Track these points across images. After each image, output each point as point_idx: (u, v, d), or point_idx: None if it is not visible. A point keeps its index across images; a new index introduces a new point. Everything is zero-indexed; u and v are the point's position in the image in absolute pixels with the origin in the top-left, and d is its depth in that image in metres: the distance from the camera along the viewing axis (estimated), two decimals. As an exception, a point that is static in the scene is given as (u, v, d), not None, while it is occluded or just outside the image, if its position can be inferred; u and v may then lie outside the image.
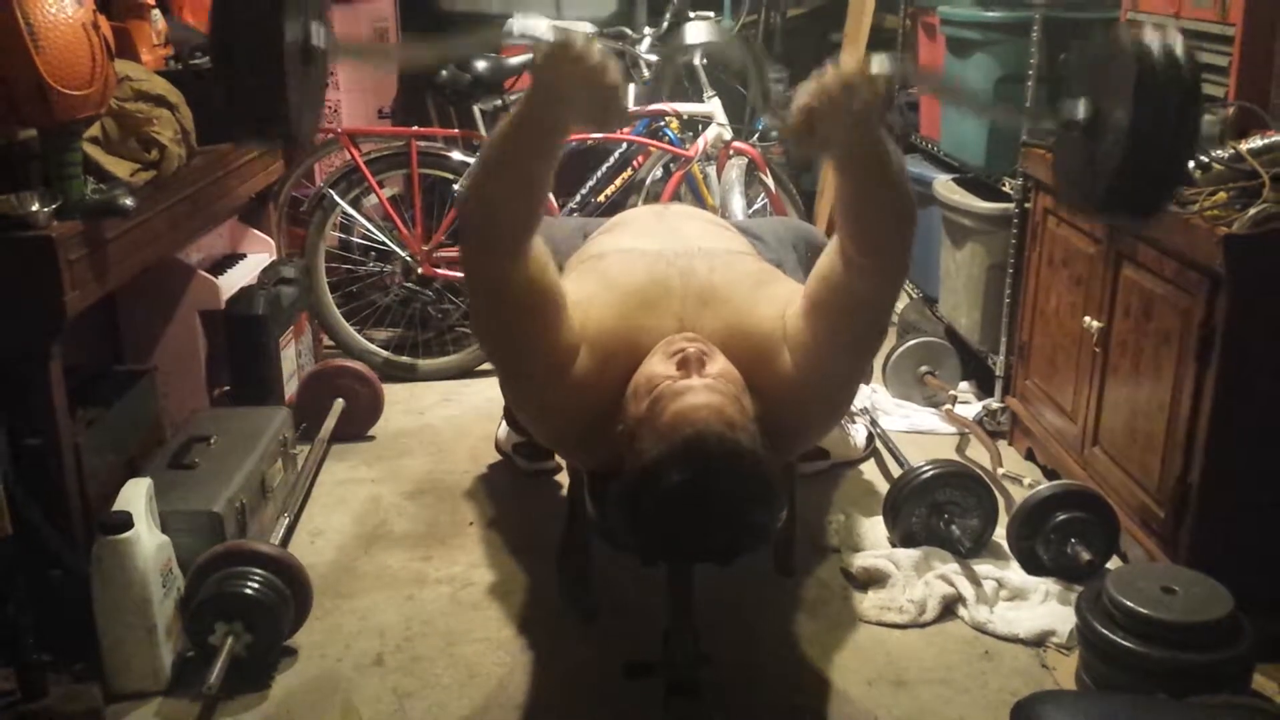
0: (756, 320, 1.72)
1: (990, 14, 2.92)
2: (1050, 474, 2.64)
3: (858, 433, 2.80)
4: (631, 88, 1.46)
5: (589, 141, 3.42)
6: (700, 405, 1.50)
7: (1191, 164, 2.05)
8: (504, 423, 2.76)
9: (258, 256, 2.93)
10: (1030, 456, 2.79)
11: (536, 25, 1.43)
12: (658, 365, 1.60)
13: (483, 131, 3.37)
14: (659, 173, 3.44)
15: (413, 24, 3.98)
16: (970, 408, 3.02)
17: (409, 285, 3.37)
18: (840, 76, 1.37)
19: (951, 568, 2.22)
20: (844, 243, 1.58)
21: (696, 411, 1.48)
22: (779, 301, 1.73)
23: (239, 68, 1.29)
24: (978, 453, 2.82)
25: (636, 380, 1.62)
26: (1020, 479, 2.66)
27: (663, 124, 3.41)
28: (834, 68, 1.38)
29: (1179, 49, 1.35)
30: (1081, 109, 1.44)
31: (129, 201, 1.90)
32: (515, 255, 1.57)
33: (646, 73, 3.49)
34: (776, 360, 1.67)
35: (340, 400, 2.88)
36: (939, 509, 2.31)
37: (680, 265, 1.78)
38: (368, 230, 3.31)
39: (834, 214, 1.60)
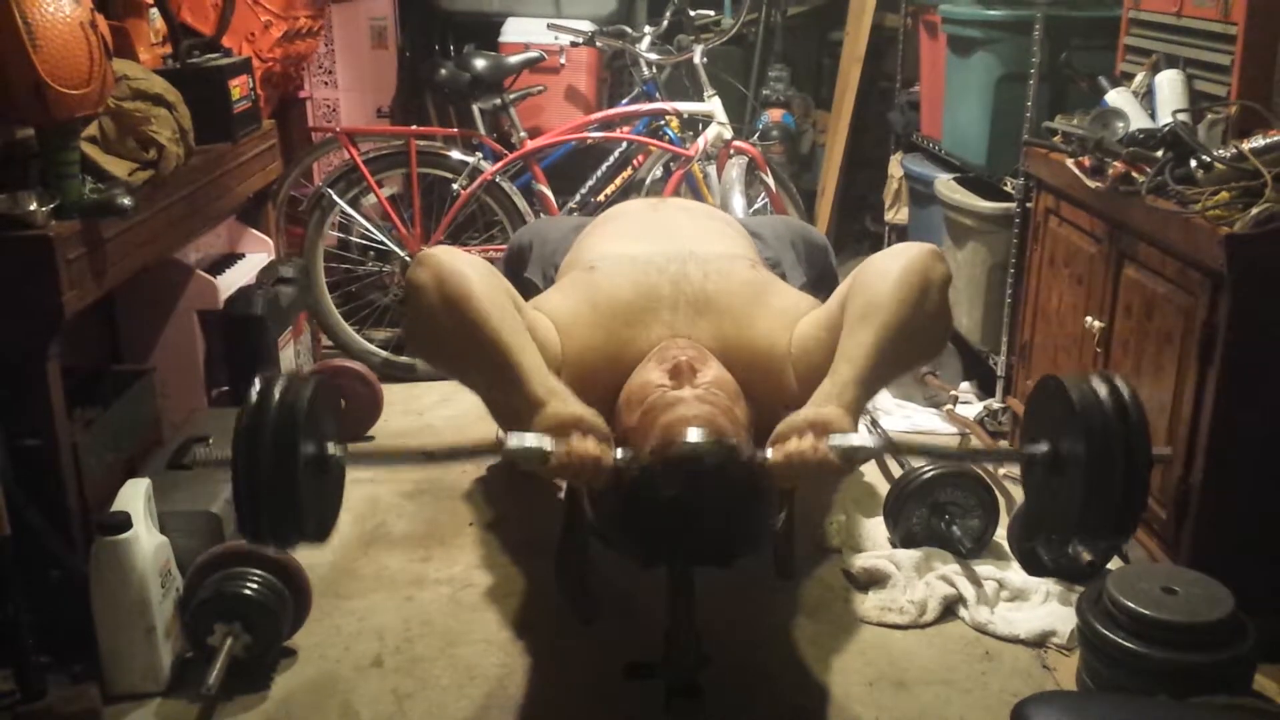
0: (757, 335, 1.71)
1: (992, 12, 2.91)
2: (1051, 474, 2.63)
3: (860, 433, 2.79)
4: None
5: (589, 141, 3.42)
6: (691, 416, 1.49)
7: (1194, 163, 2.06)
8: None
9: (256, 256, 2.92)
10: (1031, 456, 2.78)
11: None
12: (650, 374, 1.60)
13: (482, 130, 3.36)
14: (659, 172, 3.43)
15: (412, 23, 3.98)
16: (971, 408, 3.02)
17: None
18: (794, 466, 1.49)
19: (952, 568, 2.22)
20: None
21: (688, 423, 1.48)
22: (782, 315, 1.72)
23: (259, 480, 1.40)
24: (978, 453, 2.82)
25: (629, 389, 1.61)
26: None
27: (663, 123, 3.40)
28: (787, 447, 1.50)
29: (1125, 394, 1.47)
30: (1044, 447, 1.55)
31: (127, 201, 1.90)
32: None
33: (647, 72, 3.48)
34: (780, 377, 1.67)
35: (340, 400, 2.87)
36: (940, 509, 2.31)
37: (672, 272, 1.77)
38: (366, 229, 3.31)
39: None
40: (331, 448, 1.49)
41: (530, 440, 1.48)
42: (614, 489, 1.56)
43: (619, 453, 1.52)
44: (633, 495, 1.51)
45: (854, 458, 1.49)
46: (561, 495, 2.53)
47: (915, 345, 1.65)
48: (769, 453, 1.52)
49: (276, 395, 1.41)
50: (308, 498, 1.42)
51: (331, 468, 1.50)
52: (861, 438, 1.51)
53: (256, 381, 1.45)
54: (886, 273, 1.63)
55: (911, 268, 1.62)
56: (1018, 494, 2.48)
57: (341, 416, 2.71)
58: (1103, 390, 1.46)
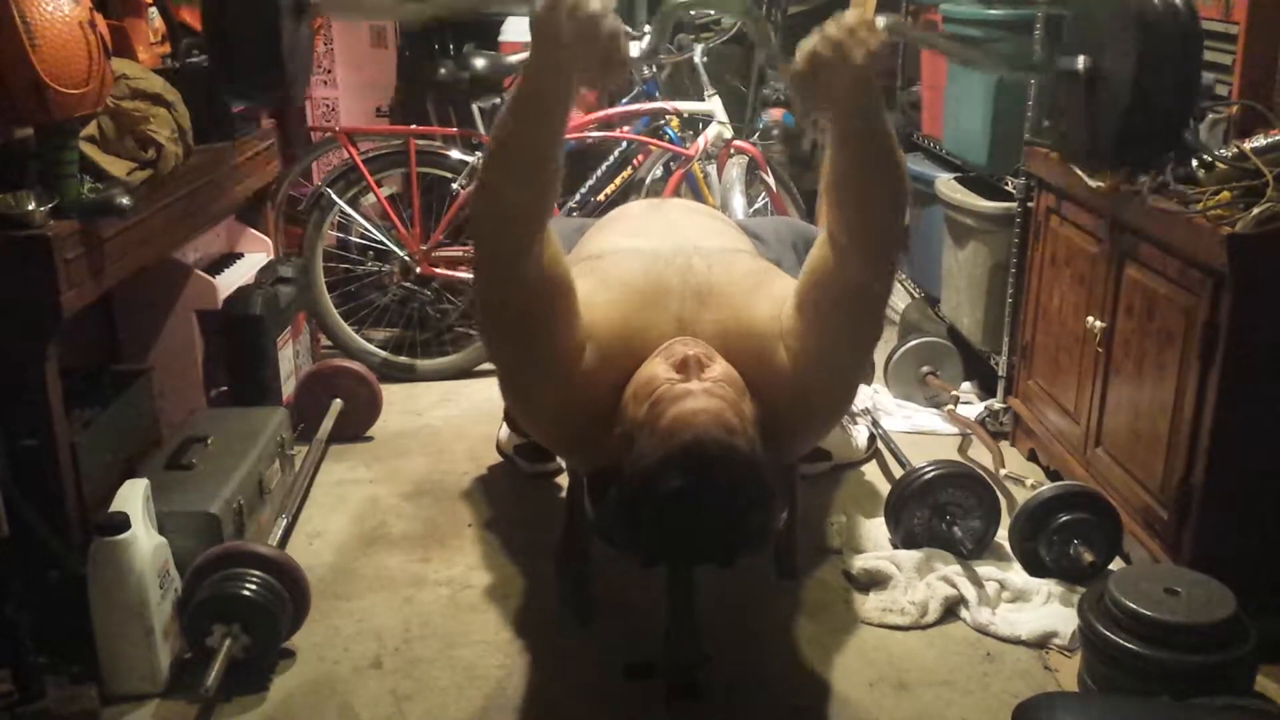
0: (755, 319, 1.70)
1: (993, 11, 2.91)
2: (1053, 475, 2.63)
3: (859, 433, 2.79)
4: (634, 46, 1.43)
5: (589, 140, 3.41)
6: (699, 410, 1.49)
7: (1195, 163, 2.05)
8: (505, 424, 2.75)
9: (255, 256, 2.92)
10: (1033, 457, 2.78)
11: None
12: (657, 368, 1.59)
13: (481, 130, 3.36)
14: (659, 171, 3.43)
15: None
16: (972, 408, 3.01)
17: (407, 285, 3.36)
18: (844, 23, 1.39)
19: (953, 569, 2.21)
20: (833, 226, 1.57)
21: (695, 416, 1.47)
22: (777, 299, 1.71)
23: (234, 24, 1.31)
24: (980, 453, 2.81)
25: (636, 382, 1.61)
26: (1023, 480, 2.65)
27: (663, 122, 3.40)
28: (838, 17, 1.40)
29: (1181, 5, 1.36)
30: (1081, 62, 1.44)
31: (126, 200, 1.89)
32: (528, 246, 1.54)
33: (647, 71, 3.48)
34: (774, 359, 1.66)
35: (338, 400, 2.87)
36: (941, 510, 2.30)
37: (678, 264, 1.76)
38: (366, 229, 3.30)
39: (825, 197, 1.61)
40: None
41: None
42: (617, 485, 1.55)
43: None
44: (637, 488, 1.50)
45: (877, 30, 1.39)
46: (562, 495, 2.53)
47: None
48: (802, 50, 1.42)
49: None
50: (288, 42, 1.34)
51: (304, 10, 1.42)
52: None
53: None
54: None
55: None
56: (1019, 495, 2.48)
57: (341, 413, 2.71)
58: None
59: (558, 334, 1.62)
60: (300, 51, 1.41)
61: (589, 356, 1.65)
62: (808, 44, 1.41)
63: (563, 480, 2.63)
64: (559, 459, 2.65)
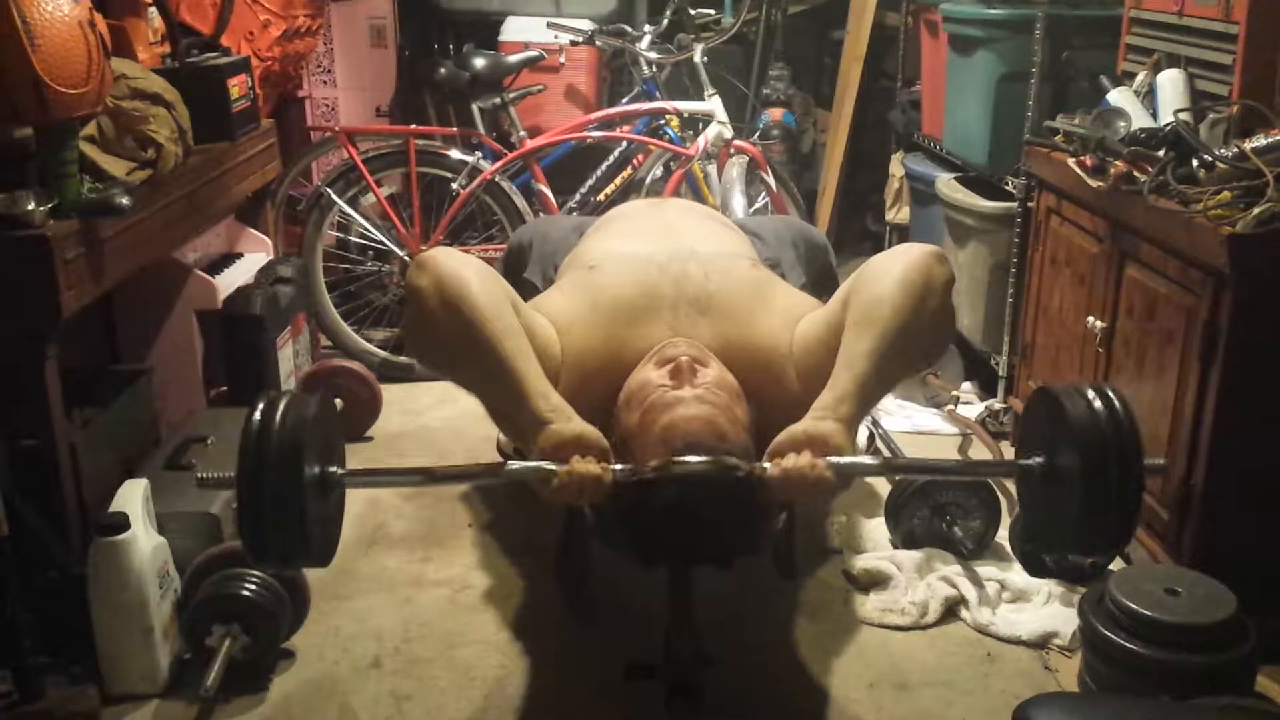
0: (758, 333, 1.70)
1: (993, 11, 2.91)
2: (1052, 474, 2.63)
3: (860, 431, 2.78)
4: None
5: (589, 140, 3.41)
6: (691, 417, 1.49)
7: (1196, 163, 2.05)
8: None
9: (255, 256, 2.91)
10: (1032, 457, 2.77)
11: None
12: (650, 373, 1.59)
13: (481, 129, 3.35)
14: (659, 171, 3.43)
15: (411, 21, 3.97)
16: (973, 408, 3.01)
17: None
18: (794, 468, 1.49)
19: (954, 569, 2.21)
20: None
21: (687, 423, 1.48)
22: (783, 314, 1.72)
23: (265, 509, 1.41)
24: (980, 454, 2.81)
25: (629, 388, 1.61)
26: (1022, 479, 2.65)
27: (663, 122, 3.39)
28: (785, 464, 1.50)
29: (1117, 406, 1.47)
30: (1039, 460, 1.54)
31: (125, 200, 1.89)
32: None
33: (647, 71, 3.47)
34: (781, 376, 1.66)
35: (338, 401, 2.87)
36: (941, 510, 2.30)
37: (673, 271, 1.76)
38: (365, 229, 3.30)
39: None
40: (333, 469, 1.50)
41: (531, 464, 1.52)
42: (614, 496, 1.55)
43: (618, 468, 1.52)
44: (631, 496, 1.50)
45: (850, 475, 1.51)
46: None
47: (917, 348, 1.65)
48: (767, 466, 1.52)
49: (279, 415, 1.41)
50: (312, 519, 1.42)
51: (333, 488, 1.50)
52: (858, 457, 1.52)
53: (260, 400, 1.45)
54: (888, 274, 1.62)
55: (913, 269, 1.61)
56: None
57: (340, 424, 2.73)
58: (1095, 403, 1.46)
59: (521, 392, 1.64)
60: (326, 526, 1.52)
61: (564, 384, 1.65)
62: (772, 472, 1.51)
63: (563, 501, 2.62)
64: None
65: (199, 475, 1.50)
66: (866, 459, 1.54)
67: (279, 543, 1.42)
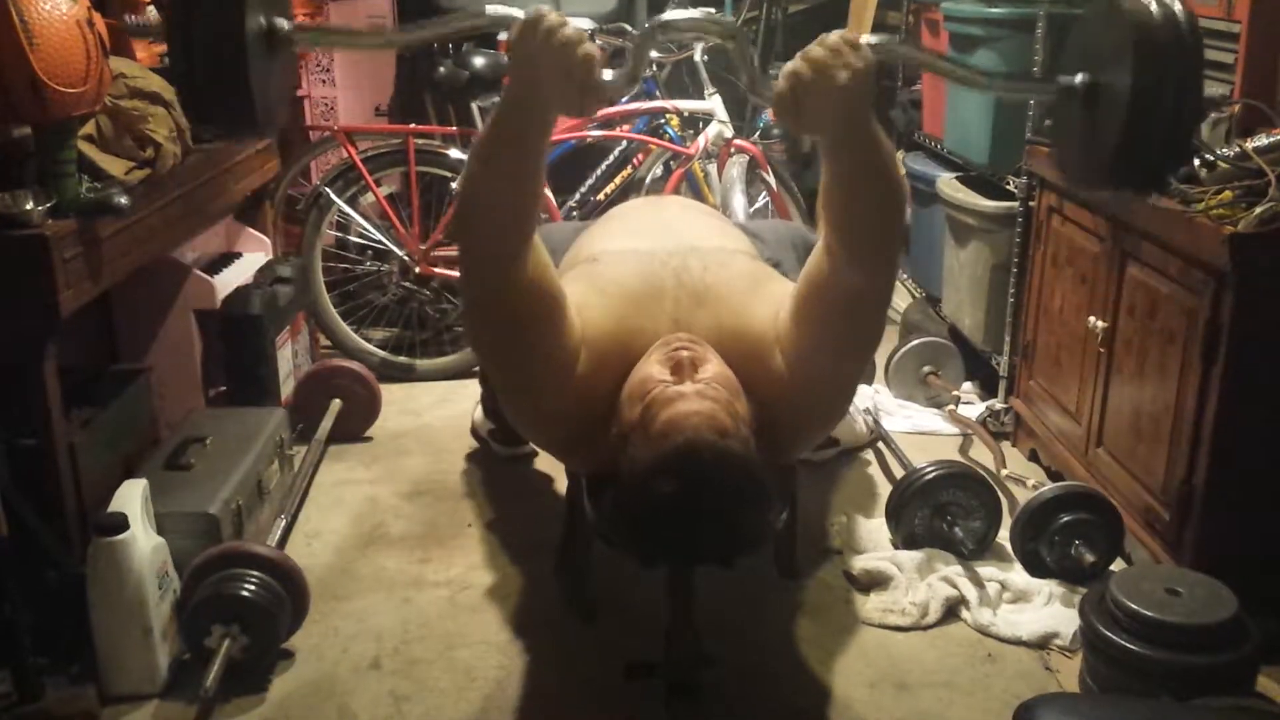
0: (750, 321, 1.70)
1: (994, 9, 2.90)
2: (1054, 475, 2.63)
3: (859, 418, 2.78)
4: (609, 73, 1.40)
5: (588, 139, 3.41)
6: (691, 412, 1.48)
7: (1197, 162, 2.04)
8: (479, 407, 2.75)
9: (254, 255, 2.91)
10: (1034, 457, 2.77)
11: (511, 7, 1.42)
12: (651, 369, 1.58)
13: (480, 129, 3.35)
14: (659, 171, 3.42)
15: (410, 20, 3.94)
16: (973, 408, 3.01)
17: (406, 284, 3.35)
18: (828, 42, 1.36)
19: (954, 570, 2.21)
20: (830, 236, 1.55)
21: (688, 419, 1.47)
22: (773, 301, 1.71)
23: (200, 61, 1.27)
24: (981, 454, 2.81)
25: (630, 384, 1.60)
26: (1024, 480, 2.65)
27: (663, 121, 3.39)
28: (823, 37, 1.37)
29: (1179, 9, 1.31)
30: (1080, 78, 1.40)
31: (124, 200, 1.89)
32: (514, 257, 1.54)
33: (647, 70, 3.47)
34: (769, 362, 1.65)
35: (337, 400, 2.87)
36: (942, 510, 2.30)
37: (674, 265, 1.76)
38: (365, 229, 3.29)
39: (821, 206, 1.58)
40: (280, 20, 1.36)
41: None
42: (613, 487, 1.54)
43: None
44: (632, 492, 1.50)
45: (862, 51, 1.36)
46: (561, 495, 2.53)
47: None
48: (784, 71, 1.38)
49: None
50: (256, 77, 1.29)
51: (279, 44, 1.37)
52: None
53: None
54: None
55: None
56: (1020, 496, 2.47)
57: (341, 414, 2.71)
58: (1155, 8, 1.30)
59: (549, 341, 1.61)
60: (272, 87, 1.37)
61: (584, 362, 1.64)
62: (790, 65, 1.37)
63: (561, 479, 2.63)
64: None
65: (125, 20, 1.32)
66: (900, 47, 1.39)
67: (220, 103, 1.29)
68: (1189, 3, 1.33)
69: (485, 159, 1.52)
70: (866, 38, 1.36)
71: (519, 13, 1.38)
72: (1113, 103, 1.34)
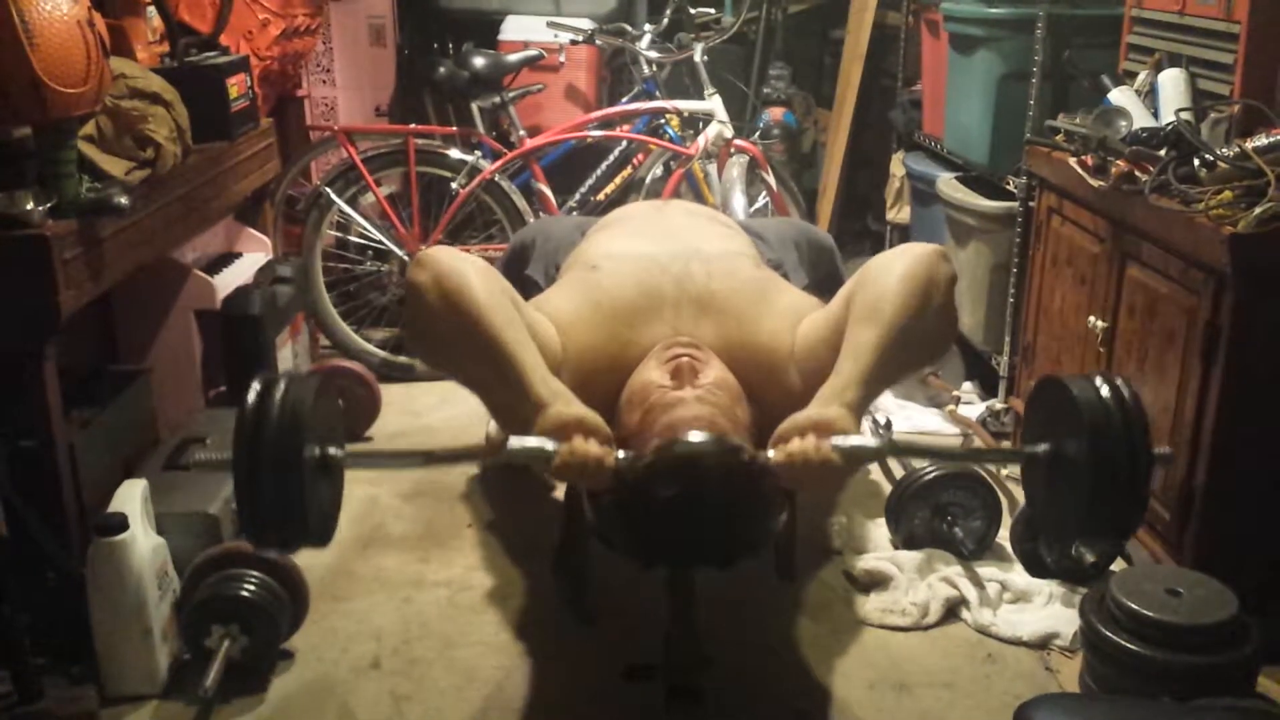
0: (761, 334, 1.70)
1: (994, 10, 2.90)
2: (1053, 475, 2.62)
3: (865, 428, 2.78)
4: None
5: (589, 140, 3.41)
6: (692, 418, 1.48)
7: (1197, 162, 2.04)
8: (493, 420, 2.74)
9: (254, 255, 2.91)
10: (1033, 457, 2.77)
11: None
12: (652, 374, 1.58)
13: (481, 129, 3.35)
14: (659, 171, 3.42)
15: (410, 20, 3.97)
16: (973, 408, 3.00)
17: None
18: (798, 451, 1.48)
19: (954, 570, 2.21)
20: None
21: (688, 424, 1.47)
22: (786, 314, 1.71)
23: (263, 491, 1.38)
24: (980, 453, 2.81)
25: (630, 388, 1.60)
26: (1023, 480, 2.64)
27: (663, 121, 3.39)
28: (789, 448, 1.49)
29: (1126, 394, 1.45)
30: (1045, 447, 1.53)
31: (124, 200, 1.89)
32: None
33: (647, 70, 3.47)
34: (783, 377, 1.66)
35: (340, 400, 2.86)
36: (942, 511, 2.30)
37: (675, 271, 1.76)
38: (365, 229, 3.29)
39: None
40: (333, 450, 1.48)
41: (532, 442, 1.49)
42: (615, 490, 1.55)
43: (620, 454, 1.51)
44: (633, 496, 1.50)
45: (856, 458, 1.48)
46: (560, 496, 2.53)
47: (920, 345, 1.64)
48: (771, 453, 1.51)
49: (279, 395, 1.40)
50: (311, 500, 1.40)
51: (333, 469, 1.49)
52: (864, 439, 1.50)
53: (257, 381, 1.43)
54: (891, 271, 1.62)
55: (917, 266, 1.62)
56: (1020, 495, 2.47)
57: (341, 416, 2.72)
58: (1104, 390, 1.45)
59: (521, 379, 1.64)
60: (325, 507, 1.49)
61: (569, 379, 1.64)
62: (775, 458, 1.50)
63: (563, 481, 2.63)
64: None
65: (195, 456, 1.46)
66: (871, 442, 1.51)
67: (278, 524, 1.40)
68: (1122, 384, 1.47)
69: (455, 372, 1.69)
70: (837, 440, 1.49)
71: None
72: (1077, 471, 1.45)
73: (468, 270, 1.61)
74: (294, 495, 1.38)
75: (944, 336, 1.71)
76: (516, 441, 1.48)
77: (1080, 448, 1.43)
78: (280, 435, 1.37)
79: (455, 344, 1.62)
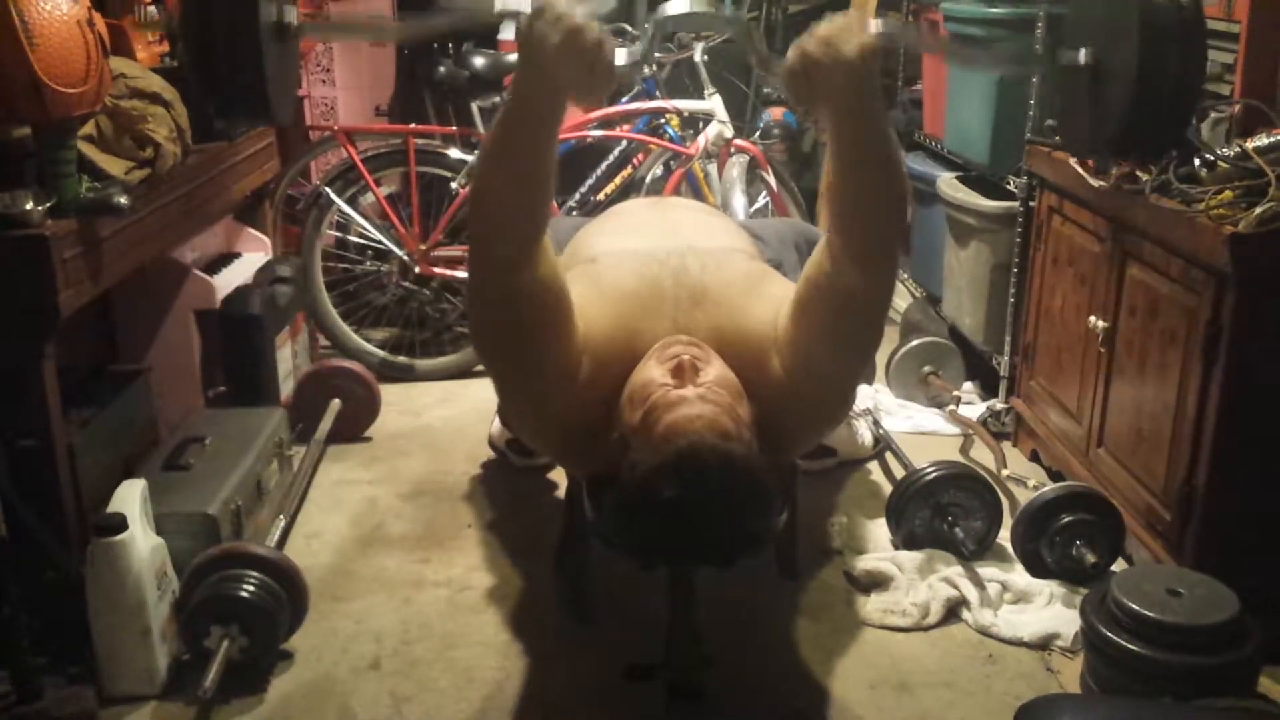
0: (749, 322, 1.69)
1: (994, 10, 2.90)
2: (1055, 475, 2.63)
3: (864, 431, 2.78)
4: (623, 52, 1.44)
5: (588, 139, 3.41)
6: (693, 416, 1.48)
7: (1198, 162, 2.04)
8: (497, 419, 2.74)
9: (253, 255, 2.91)
10: (1035, 458, 2.77)
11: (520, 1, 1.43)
12: (652, 372, 1.58)
13: (480, 129, 3.35)
14: (659, 171, 3.42)
15: (411, 18, 3.96)
16: (974, 408, 3.00)
17: (406, 284, 3.35)
18: (837, 21, 1.38)
19: (955, 570, 2.20)
20: (832, 235, 1.55)
21: (690, 423, 1.46)
22: (772, 301, 1.70)
23: (217, 48, 1.30)
24: (982, 454, 2.81)
25: (631, 387, 1.60)
26: (1024, 481, 2.64)
27: (663, 121, 3.39)
28: (832, 17, 1.39)
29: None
30: (1083, 55, 1.42)
31: (124, 200, 1.88)
32: (525, 258, 1.53)
33: (647, 70, 3.47)
34: (767, 363, 1.65)
35: (337, 401, 2.86)
36: (942, 511, 2.30)
37: (672, 265, 1.75)
38: (364, 229, 3.29)
39: (824, 201, 1.59)
40: (290, 13, 1.39)
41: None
42: (614, 490, 1.54)
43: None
44: (633, 495, 1.49)
45: (871, 30, 1.38)
46: (561, 496, 2.53)
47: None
48: (794, 46, 1.41)
49: None
50: (272, 69, 1.33)
51: (288, 36, 1.40)
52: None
53: None
54: None
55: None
56: (1021, 496, 2.47)
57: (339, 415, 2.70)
58: None
59: (554, 345, 1.61)
60: (285, 74, 1.41)
61: (586, 367, 1.64)
62: (800, 40, 1.40)
63: (560, 478, 2.63)
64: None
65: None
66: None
67: (239, 89, 1.33)
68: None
69: (496, 155, 1.50)
70: (876, 20, 1.39)
71: (525, 3, 1.38)
72: (1118, 78, 1.36)
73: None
74: (252, 61, 1.31)
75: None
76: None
77: (1127, 52, 1.34)
78: None
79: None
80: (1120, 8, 1.37)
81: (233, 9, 1.29)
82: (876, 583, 2.22)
